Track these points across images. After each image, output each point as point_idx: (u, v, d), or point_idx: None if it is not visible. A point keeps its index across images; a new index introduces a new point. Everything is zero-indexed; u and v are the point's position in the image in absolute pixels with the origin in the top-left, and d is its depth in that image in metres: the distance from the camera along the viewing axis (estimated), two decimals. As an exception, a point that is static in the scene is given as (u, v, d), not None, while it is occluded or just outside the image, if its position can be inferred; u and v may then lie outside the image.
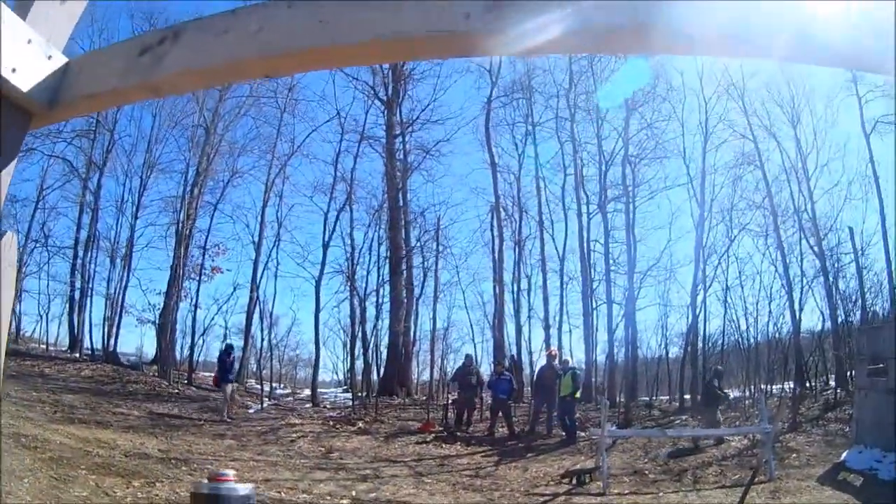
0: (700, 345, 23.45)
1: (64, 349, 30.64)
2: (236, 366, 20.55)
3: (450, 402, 20.14)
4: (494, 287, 28.30)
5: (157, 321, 29.62)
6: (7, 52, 1.80)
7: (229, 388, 18.74)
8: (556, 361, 18.58)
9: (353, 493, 10.79)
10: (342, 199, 28.29)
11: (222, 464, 12.09)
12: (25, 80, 1.88)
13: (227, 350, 20.28)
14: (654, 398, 24.26)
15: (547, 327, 26.61)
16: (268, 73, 1.82)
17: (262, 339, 29.50)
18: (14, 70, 1.83)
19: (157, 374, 25.96)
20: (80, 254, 33.15)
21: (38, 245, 33.79)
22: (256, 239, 29.07)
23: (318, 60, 1.74)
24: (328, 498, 10.29)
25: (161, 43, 1.80)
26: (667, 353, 26.55)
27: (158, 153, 31.97)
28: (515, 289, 27.95)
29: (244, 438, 15.63)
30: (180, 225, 29.40)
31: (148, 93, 1.85)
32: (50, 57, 1.97)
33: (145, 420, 16.45)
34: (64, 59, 2.01)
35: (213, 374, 21.97)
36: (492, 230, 28.85)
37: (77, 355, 28.45)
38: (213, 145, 29.83)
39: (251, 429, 17.12)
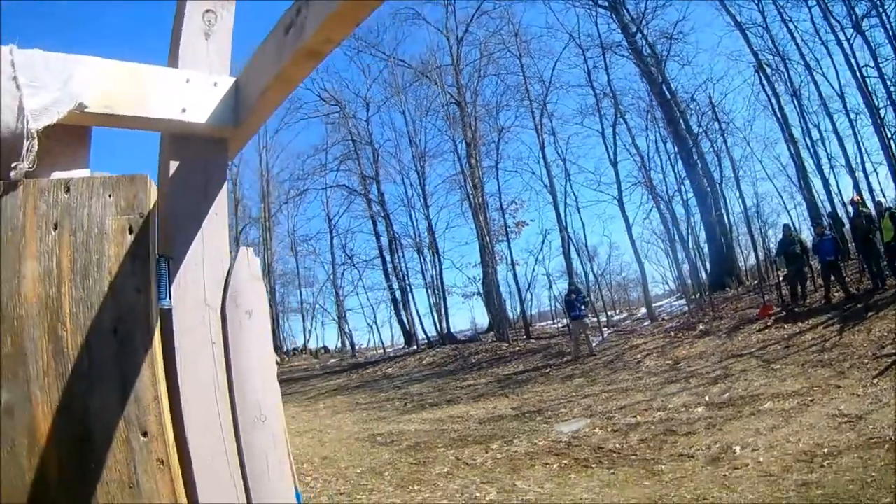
0: None
1: (401, 346, 32.89)
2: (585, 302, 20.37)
3: (780, 279, 19.10)
4: (788, 147, 26.06)
5: (481, 291, 30.95)
6: (169, 98, 1.94)
7: (578, 326, 18.87)
8: (870, 206, 16.84)
9: (707, 398, 10.47)
10: (611, 113, 27.87)
11: (574, 403, 12.33)
12: (199, 113, 1.99)
13: (569, 290, 20.47)
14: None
15: (851, 172, 24.33)
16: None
17: (586, 274, 29.77)
18: (184, 110, 1.96)
19: (494, 339, 27.02)
20: (388, 258, 35.52)
21: (346, 266, 36.92)
22: (547, 182, 29.11)
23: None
24: (683, 409, 10.08)
25: (298, 13, 1.79)
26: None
27: (423, 143, 33.34)
28: (809, 142, 25.76)
29: (591, 374, 15.74)
30: (470, 198, 30.41)
31: (307, 59, 1.81)
32: (216, 84, 2.05)
33: (493, 385, 17.16)
34: (231, 80, 2.08)
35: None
36: (764, 90, 26.72)
37: (414, 348, 30.50)
38: (470, 115, 30.51)
39: (597, 362, 17.21)
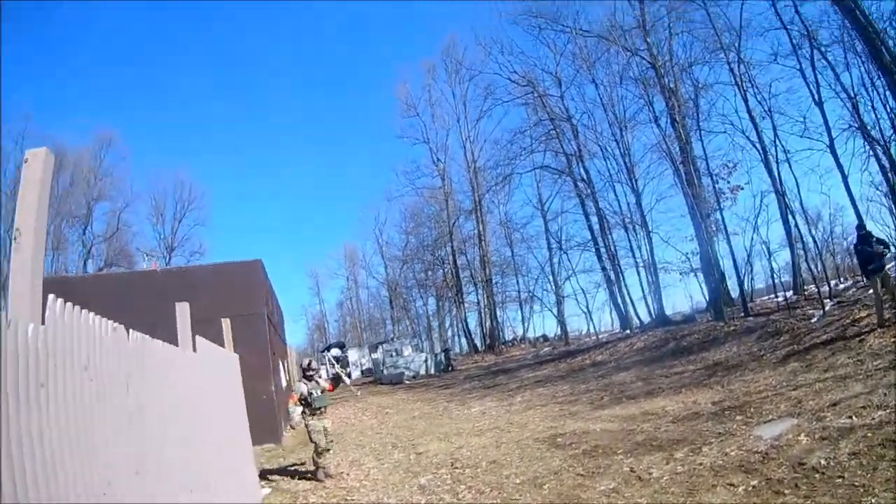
0: None
1: (616, 331, 31.67)
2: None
3: None
4: None
5: (696, 267, 29.23)
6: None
7: (880, 281, 14.28)
8: None
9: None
10: (807, 47, 24.35)
11: (783, 397, 10.49)
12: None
13: (861, 236, 15.27)
14: None
15: None
16: None
17: (806, 237, 26.31)
18: None
19: (711, 318, 25.10)
20: (599, 242, 34.39)
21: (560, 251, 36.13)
22: (754, 136, 26.36)
23: None
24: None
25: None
26: None
27: (622, 112, 32.07)
28: None
29: (808, 356, 13.43)
30: (675, 164, 28.75)
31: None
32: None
33: (700, 373, 15.59)
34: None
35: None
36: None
37: (628, 332, 29.17)
38: (665, 75, 28.72)
39: (815, 341, 14.64)
